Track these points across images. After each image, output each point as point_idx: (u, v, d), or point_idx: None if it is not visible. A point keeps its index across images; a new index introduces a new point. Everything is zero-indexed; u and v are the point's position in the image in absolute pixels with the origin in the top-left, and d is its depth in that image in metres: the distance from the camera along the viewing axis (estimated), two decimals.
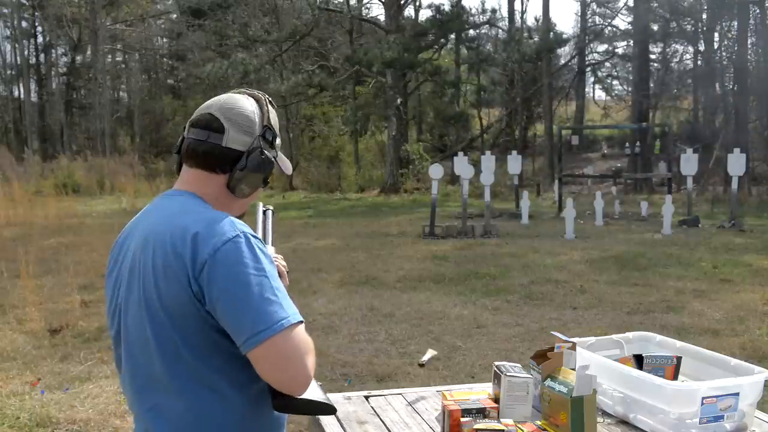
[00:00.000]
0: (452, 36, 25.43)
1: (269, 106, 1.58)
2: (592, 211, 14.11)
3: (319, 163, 24.77)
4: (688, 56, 27.01)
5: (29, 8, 35.14)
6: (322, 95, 24.36)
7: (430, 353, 5.35)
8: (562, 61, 30.82)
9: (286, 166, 1.63)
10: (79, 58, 35.63)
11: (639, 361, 2.03)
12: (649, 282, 8.06)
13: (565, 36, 24.73)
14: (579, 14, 31.86)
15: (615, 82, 34.10)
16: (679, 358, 2.05)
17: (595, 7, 30.89)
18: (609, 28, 29.99)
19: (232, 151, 1.50)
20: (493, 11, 30.97)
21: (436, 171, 12.59)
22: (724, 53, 23.05)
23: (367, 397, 2.18)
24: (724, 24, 22.73)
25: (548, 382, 1.81)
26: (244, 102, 1.54)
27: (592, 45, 30.88)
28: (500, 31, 28.89)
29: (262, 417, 1.49)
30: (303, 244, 11.08)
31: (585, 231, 12.41)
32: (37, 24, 35.58)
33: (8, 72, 36.28)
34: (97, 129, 30.05)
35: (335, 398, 2.15)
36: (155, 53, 36.89)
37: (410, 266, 9.14)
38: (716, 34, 23.12)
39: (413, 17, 26.31)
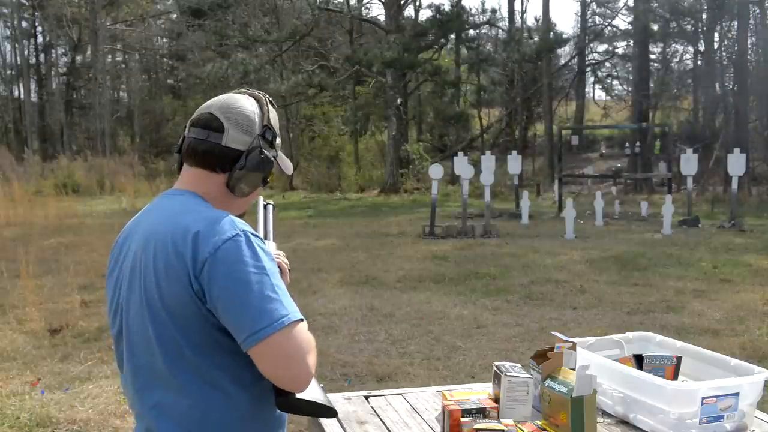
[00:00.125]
0: (452, 36, 25.43)
1: (269, 105, 1.58)
2: (592, 211, 14.11)
3: (319, 163, 24.78)
4: (688, 56, 27.06)
5: (29, 8, 35.15)
6: (322, 95, 24.36)
7: None
8: (562, 61, 30.84)
9: (287, 165, 1.63)
10: (79, 58, 35.64)
11: (639, 361, 2.03)
12: (649, 282, 8.06)
13: (565, 36, 24.75)
14: (579, 14, 31.90)
15: (615, 82, 34.15)
16: (679, 358, 2.05)
17: (595, 7, 30.93)
18: (609, 28, 30.01)
19: (232, 150, 1.50)
20: (493, 11, 31.00)
21: (436, 171, 12.60)
22: (724, 53, 23.06)
23: (367, 397, 2.18)
24: (724, 24, 22.74)
25: (548, 382, 1.81)
26: (245, 102, 1.55)
27: (592, 45, 30.91)
28: (500, 31, 28.91)
29: (264, 414, 1.50)
30: (303, 244, 11.08)
31: (585, 231, 12.41)
32: (37, 24, 35.59)
33: (8, 72, 36.30)
34: (97, 129, 30.05)
35: (335, 398, 2.15)
36: (155, 53, 36.89)
37: (410, 266, 9.14)
38: (716, 34, 23.13)
39: (413, 17, 26.32)
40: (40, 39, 36.00)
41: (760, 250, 10.19)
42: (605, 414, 1.95)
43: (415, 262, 9.52)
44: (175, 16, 32.83)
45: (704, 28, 22.89)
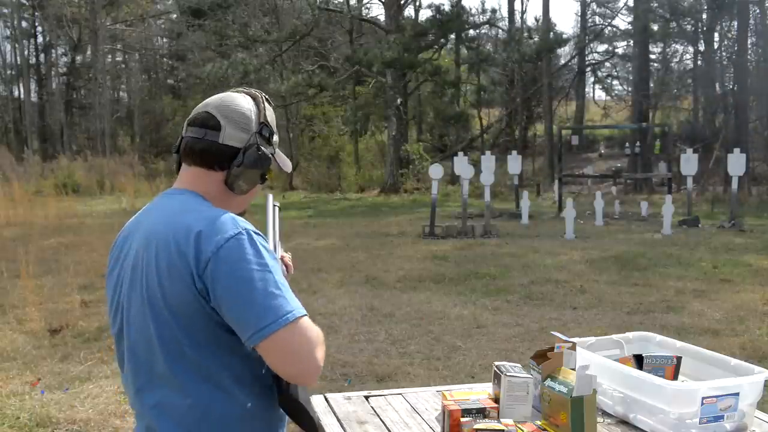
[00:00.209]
0: (452, 36, 25.43)
1: (266, 103, 1.59)
2: (592, 211, 14.11)
3: (319, 163, 24.78)
4: (688, 56, 27.05)
5: (29, 8, 35.15)
6: (322, 95, 24.36)
7: None
8: (562, 61, 30.84)
9: (285, 163, 1.64)
10: (79, 58, 35.64)
11: (639, 361, 2.03)
12: (649, 282, 8.06)
13: (565, 36, 24.72)
14: (579, 14, 31.91)
15: (615, 82, 34.15)
16: (679, 358, 2.05)
17: (595, 7, 30.94)
18: (609, 28, 30.02)
19: (229, 147, 1.51)
20: (493, 11, 30.97)
21: (436, 171, 12.60)
22: (724, 53, 23.07)
23: (367, 397, 2.18)
24: (724, 24, 22.74)
25: (548, 382, 1.81)
26: (241, 100, 1.55)
27: (592, 45, 30.91)
28: (500, 31, 28.92)
29: (264, 413, 1.51)
30: (303, 244, 11.08)
31: (585, 231, 12.41)
32: (37, 24, 35.59)
33: (8, 72, 36.30)
34: (97, 129, 30.05)
35: (335, 398, 2.16)
36: (155, 53, 36.90)
37: (410, 266, 9.14)
38: (716, 34, 23.14)
39: (413, 17, 26.32)
40: (40, 39, 36.03)
41: (760, 250, 10.19)
42: (605, 414, 1.95)
43: (415, 262, 9.52)
44: (175, 16, 32.85)
45: (704, 28, 22.89)
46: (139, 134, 32.15)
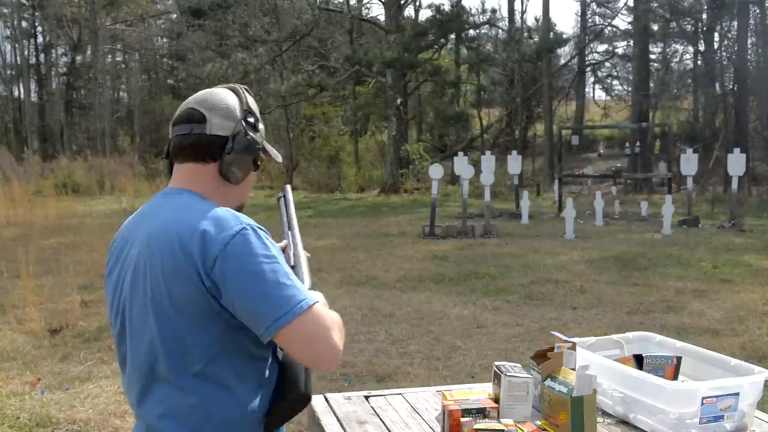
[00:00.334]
0: (452, 36, 25.44)
1: (246, 94, 1.61)
2: (592, 211, 14.11)
3: (319, 163, 24.78)
4: (688, 56, 27.07)
5: (29, 8, 35.16)
6: (322, 95, 24.36)
7: None
8: (562, 61, 30.85)
9: (274, 153, 1.66)
10: (79, 58, 35.65)
11: (639, 361, 2.03)
12: (649, 282, 8.06)
13: (565, 36, 24.75)
14: (579, 14, 31.92)
15: (615, 82, 34.19)
16: (679, 358, 2.05)
17: (595, 7, 30.95)
18: (609, 28, 30.04)
19: (218, 137, 1.52)
20: (493, 11, 30.97)
21: (436, 171, 12.60)
22: (724, 53, 23.06)
23: (367, 397, 2.18)
24: (724, 24, 22.74)
25: (548, 382, 1.81)
26: (221, 92, 1.58)
27: (592, 45, 30.94)
28: (500, 31, 28.93)
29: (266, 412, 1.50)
30: (303, 244, 11.06)
31: (585, 231, 12.41)
32: (37, 24, 35.60)
33: (8, 72, 36.31)
34: (97, 129, 30.06)
35: (335, 398, 2.15)
36: (155, 53, 36.90)
37: (410, 266, 9.14)
38: (716, 34, 23.13)
39: (413, 17, 26.33)
40: (40, 39, 36.05)
41: (760, 250, 10.19)
42: (605, 414, 1.95)
43: (415, 262, 9.52)
44: (175, 16, 32.86)
45: (704, 28, 22.89)
46: (139, 134, 32.16)
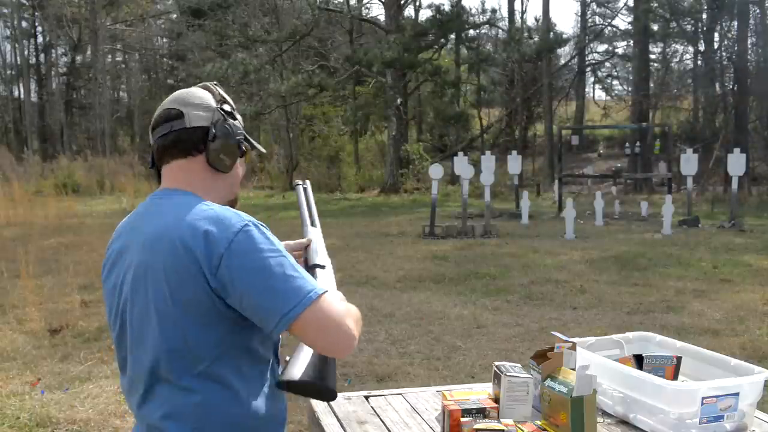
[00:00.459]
0: (452, 36, 25.42)
1: (218, 88, 1.63)
2: (592, 211, 14.11)
3: (319, 163, 24.78)
4: (688, 56, 27.04)
5: (29, 8, 35.17)
6: (322, 95, 24.36)
7: None
8: (562, 61, 30.84)
9: (255, 143, 1.67)
10: (79, 58, 35.65)
11: (639, 361, 2.03)
12: (649, 282, 8.06)
13: (565, 36, 24.74)
14: (579, 14, 31.91)
15: (615, 82, 34.17)
16: (679, 358, 2.05)
17: (595, 7, 30.95)
18: (609, 28, 30.03)
19: (199, 129, 1.54)
20: (493, 11, 30.91)
21: (436, 171, 12.60)
22: (724, 53, 23.04)
23: (367, 397, 2.18)
24: (724, 24, 22.73)
25: (548, 382, 1.81)
26: (192, 89, 1.61)
27: (592, 45, 30.92)
28: (500, 31, 28.90)
29: (268, 411, 1.51)
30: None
31: (585, 231, 12.41)
32: (37, 24, 35.60)
33: (8, 72, 36.32)
34: (97, 129, 30.06)
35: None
36: (155, 53, 36.90)
37: (410, 266, 9.14)
38: (716, 34, 23.12)
39: (413, 17, 26.32)
40: (40, 39, 36.05)
41: (760, 250, 10.19)
42: (605, 414, 1.95)
43: (415, 262, 9.52)
44: (175, 16, 32.86)
45: (704, 28, 22.88)
46: (139, 134, 32.13)
